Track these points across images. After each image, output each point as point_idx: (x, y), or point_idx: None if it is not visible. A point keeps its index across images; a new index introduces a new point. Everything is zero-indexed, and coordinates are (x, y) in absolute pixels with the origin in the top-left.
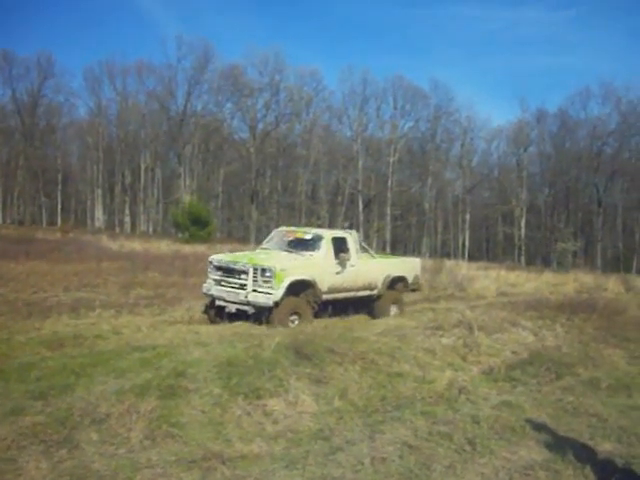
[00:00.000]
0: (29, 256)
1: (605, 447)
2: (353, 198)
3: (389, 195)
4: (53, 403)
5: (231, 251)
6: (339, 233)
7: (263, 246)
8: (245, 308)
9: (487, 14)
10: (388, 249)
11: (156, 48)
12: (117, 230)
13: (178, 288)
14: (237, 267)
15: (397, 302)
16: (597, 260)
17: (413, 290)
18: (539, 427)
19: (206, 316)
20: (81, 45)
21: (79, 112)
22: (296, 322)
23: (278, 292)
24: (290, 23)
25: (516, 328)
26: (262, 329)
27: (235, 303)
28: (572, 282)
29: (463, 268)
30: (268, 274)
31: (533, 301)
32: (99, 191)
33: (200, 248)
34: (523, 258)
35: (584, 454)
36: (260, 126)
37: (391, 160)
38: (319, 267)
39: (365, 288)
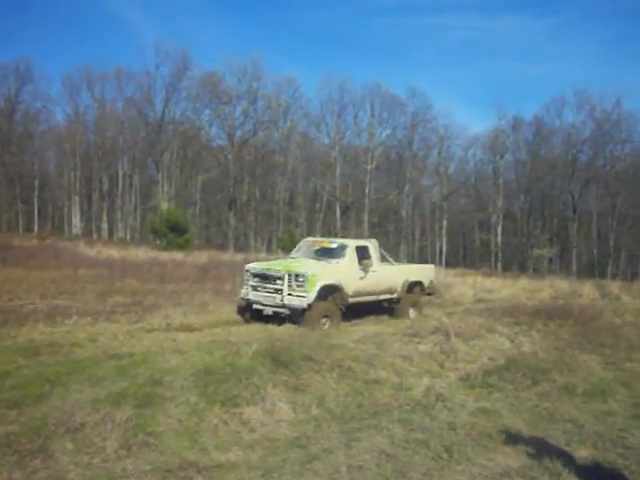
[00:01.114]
0: (5, 263)
1: (581, 453)
2: (331, 205)
3: (367, 202)
4: (27, 412)
5: (209, 257)
6: (361, 242)
7: (292, 255)
8: (281, 310)
9: (464, 23)
10: None
11: (134, 55)
12: (94, 237)
13: (156, 295)
14: (273, 274)
15: (415, 305)
16: (572, 266)
17: (429, 294)
18: (516, 433)
19: (231, 317)
20: (59, 51)
21: (57, 118)
22: (327, 324)
23: (311, 295)
24: (268, 31)
25: (493, 334)
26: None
27: (271, 306)
28: (548, 288)
29: (440, 274)
30: (301, 279)
31: (509, 307)
32: (76, 198)
33: (178, 255)
34: (500, 264)
35: (560, 460)
36: (238, 133)
37: (369, 167)
38: (345, 273)
39: (386, 292)
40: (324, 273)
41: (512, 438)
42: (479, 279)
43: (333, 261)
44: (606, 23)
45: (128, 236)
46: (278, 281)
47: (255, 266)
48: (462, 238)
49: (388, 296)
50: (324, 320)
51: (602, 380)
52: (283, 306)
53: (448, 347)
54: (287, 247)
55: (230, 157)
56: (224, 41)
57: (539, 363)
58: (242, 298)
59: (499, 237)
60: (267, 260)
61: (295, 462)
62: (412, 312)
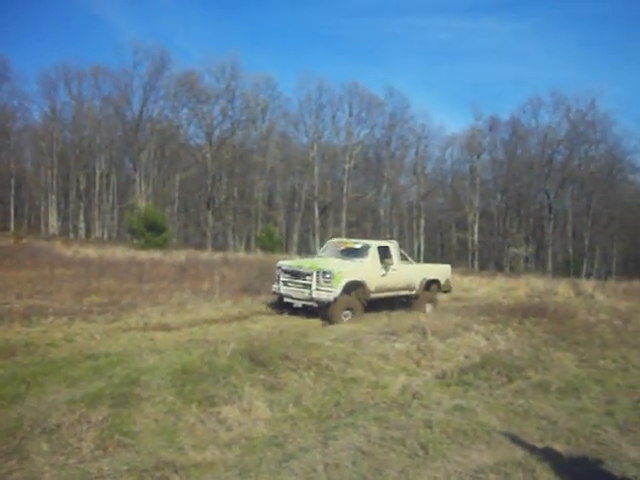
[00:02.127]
0: None
1: (555, 449)
2: (309, 204)
3: (345, 201)
4: (2, 413)
5: (187, 256)
6: (383, 242)
7: (319, 254)
8: (310, 303)
9: (443, 24)
10: None
11: (112, 53)
12: (71, 236)
13: (133, 294)
14: (303, 270)
15: (432, 301)
16: (548, 265)
17: (445, 292)
18: (490, 430)
19: (209, 316)
20: (36, 49)
21: (33, 116)
22: (349, 317)
23: (337, 290)
24: (246, 30)
25: (469, 333)
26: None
27: (301, 300)
28: (524, 286)
29: None
30: (328, 276)
31: (486, 306)
32: (53, 196)
33: (156, 254)
34: (476, 263)
35: (534, 456)
36: (216, 132)
37: (347, 167)
38: (368, 270)
39: (405, 289)
40: (349, 270)
41: (487, 435)
42: (456, 278)
43: (357, 260)
44: (582, 26)
45: (105, 235)
46: (307, 277)
47: (286, 264)
48: (439, 237)
49: (407, 292)
50: (346, 312)
51: (576, 377)
52: (311, 299)
53: (425, 345)
54: (266, 246)
55: (208, 156)
56: (202, 40)
57: (514, 361)
58: (274, 292)
59: (476, 236)
60: (289, 259)
61: (272, 461)
62: (429, 308)
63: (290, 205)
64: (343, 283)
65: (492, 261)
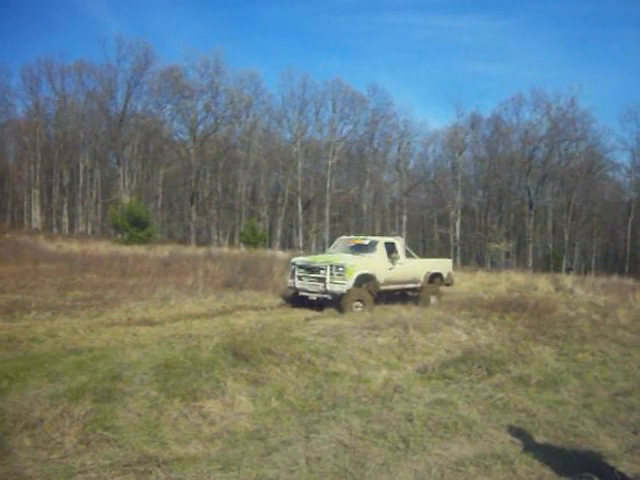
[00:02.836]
0: None
1: (533, 441)
2: (293, 200)
3: (328, 197)
4: None
5: (170, 251)
6: (390, 239)
7: (330, 250)
8: (324, 296)
9: (425, 22)
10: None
11: (96, 48)
12: (55, 231)
13: (117, 289)
14: (317, 265)
15: (436, 294)
16: (528, 260)
17: (447, 285)
18: (470, 423)
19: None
20: (19, 43)
21: (17, 111)
22: (359, 308)
23: (349, 282)
24: (230, 26)
25: (450, 327)
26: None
27: (316, 293)
28: (504, 281)
29: None
30: (341, 269)
31: (467, 300)
32: (36, 191)
33: (139, 249)
34: (458, 258)
35: (513, 449)
36: (200, 128)
37: (330, 163)
38: (377, 264)
39: (411, 282)
40: (360, 264)
41: (467, 428)
42: None
43: (366, 255)
44: (562, 25)
45: (89, 230)
46: (322, 271)
47: (301, 259)
48: (422, 233)
49: (412, 285)
50: (357, 303)
51: (555, 371)
52: (326, 292)
53: (406, 340)
54: (249, 241)
55: (192, 151)
56: (186, 35)
57: (494, 355)
58: (289, 287)
59: (457, 232)
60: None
61: (254, 455)
62: (433, 300)
63: (274, 200)
64: (355, 276)
65: (473, 256)
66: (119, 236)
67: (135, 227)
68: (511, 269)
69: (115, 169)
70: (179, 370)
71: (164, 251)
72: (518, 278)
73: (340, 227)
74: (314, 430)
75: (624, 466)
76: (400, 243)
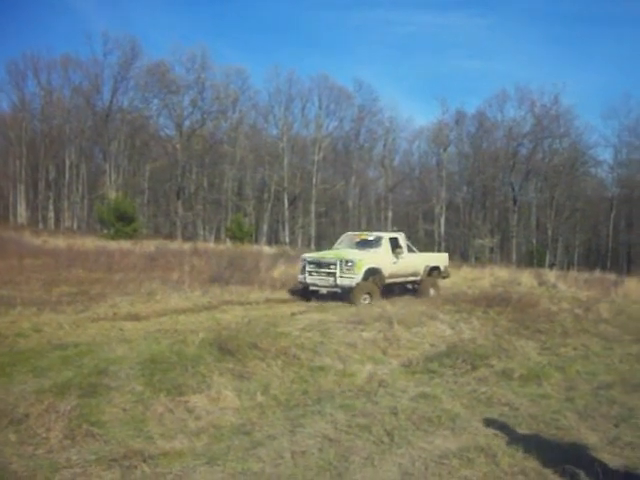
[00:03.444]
0: None
1: (516, 435)
2: (279, 195)
3: (314, 192)
4: None
5: (157, 246)
6: (393, 234)
7: (336, 246)
8: (334, 290)
9: (411, 18)
10: (313, 245)
11: (82, 43)
12: (41, 226)
13: (103, 284)
14: (327, 261)
15: (434, 286)
16: (512, 255)
17: (444, 277)
18: (454, 417)
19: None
20: (4, 38)
21: (2, 106)
22: (367, 300)
23: (358, 276)
24: (217, 22)
25: (434, 322)
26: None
27: (326, 287)
28: (488, 276)
29: None
30: (350, 264)
31: (451, 295)
32: (22, 186)
33: (126, 244)
34: None
35: (496, 442)
36: (186, 123)
37: (316, 158)
38: (382, 259)
39: (412, 275)
40: (368, 259)
41: (451, 422)
42: None
43: (372, 250)
44: (546, 22)
45: (75, 225)
46: (332, 266)
47: (311, 255)
48: (407, 228)
49: (413, 278)
50: (365, 296)
51: (538, 365)
52: (336, 286)
53: (391, 334)
54: (235, 236)
55: (178, 147)
56: (173, 31)
57: (478, 349)
58: (300, 282)
59: (442, 227)
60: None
61: (240, 449)
62: (432, 292)
63: (260, 196)
64: (363, 270)
65: (458, 252)
66: (105, 231)
67: (121, 222)
68: (495, 264)
69: (101, 164)
70: (165, 365)
71: (150, 246)
72: (502, 273)
73: (326, 222)
74: (299, 424)
75: (605, 458)
76: (402, 238)
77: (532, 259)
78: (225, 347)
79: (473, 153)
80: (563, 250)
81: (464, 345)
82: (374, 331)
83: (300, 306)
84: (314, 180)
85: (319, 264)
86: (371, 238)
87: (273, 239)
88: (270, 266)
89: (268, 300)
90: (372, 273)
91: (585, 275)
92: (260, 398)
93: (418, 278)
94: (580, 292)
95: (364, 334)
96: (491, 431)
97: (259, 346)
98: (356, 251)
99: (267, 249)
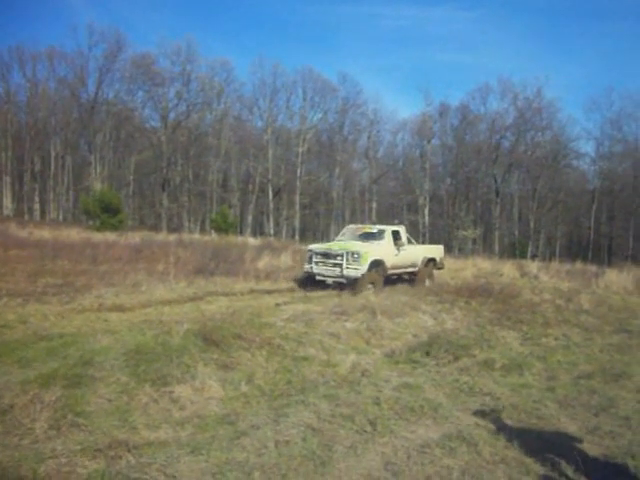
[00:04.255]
0: None
1: (498, 424)
2: (263, 187)
3: (298, 184)
4: None
5: (142, 238)
6: (394, 227)
7: (339, 238)
8: (340, 280)
9: (396, 12)
10: (297, 237)
11: (67, 35)
12: (26, 218)
13: (88, 276)
14: (334, 252)
15: (430, 276)
16: (495, 246)
17: (439, 268)
18: (436, 407)
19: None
20: None
21: None
22: (371, 289)
23: (364, 267)
24: (202, 14)
25: (417, 312)
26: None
27: (332, 277)
28: (471, 267)
29: None
30: (356, 256)
31: (434, 286)
32: (7, 178)
33: (111, 236)
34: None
35: (477, 431)
36: (172, 115)
37: (300, 150)
38: (385, 250)
39: (411, 266)
40: (373, 251)
41: (433, 411)
42: None
43: (375, 242)
44: (531, 16)
45: (61, 217)
46: (338, 257)
47: (318, 247)
48: (391, 219)
49: (412, 269)
50: (369, 286)
51: (519, 355)
52: (342, 276)
53: (374, 325)
54: (220, 228)
55: (163, 138)
56: (158, 23)
57: (460, 339)
58: (306, 272)
59: (426, 218)
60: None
61: (224, 438)
62: (428, 282)
63: (244, 187)
64: (369, 262)
65: (441, 243)
66: (91, 223)
67: (106, 214)
68: (478, 255)
69: (86, 156)
70: (150, 356)
71: (135, 238)
72: (484, 264)
73: (310, 214)
74: (283, 414)
75: (585, 447)
76: (403, 231)
77: (514, 250)
78: (210, 338)
79: (456, 145)
80: (545, 242)
81: (446, 335)
82: (357, 322)
83: (284, 297)
84: (298, 172)
85: (326, 255)
86: (374, 230)
87: (258, 230)
88: (255, 257)
89: (253, 291)
90: (376, 264)
91: (567, 266)
92: (244, 388)
93: (416, 269)
94: (561, 283)
95: (348, 325)
96: (473, 420)
97: (243, 337)
98: (361, 243)
99: (252, 240)
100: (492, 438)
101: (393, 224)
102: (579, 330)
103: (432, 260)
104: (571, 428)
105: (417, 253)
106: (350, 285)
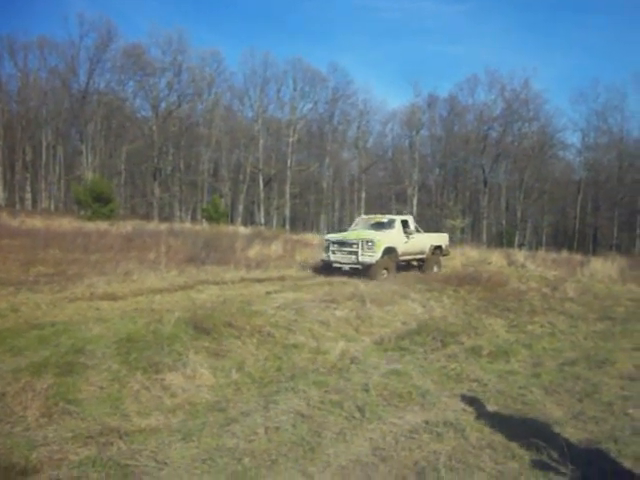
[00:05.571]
0: None
1: (484, 410)
2: (254, 177)
3: (289, 174)
4: None
5: (133, 227)
6: (404, 217)
7: (352, 228)
8: (356, 266)
9: (385, 4)
10: (287, 226)
11: (58, 25)
12: (18, 207)
13: (80, 265)
14: (350, 240)
15: (437, 263)
16: (483, 236)
17: (444, 255)
18: (424, 393)
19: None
20: None
21: None
22: (385, 275)
23: (378, 254)
24: (193, 5)
25: (406, 300)
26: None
27: (348, 264)
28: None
29: None
30: (370, 243)
31: (422, 275)
32: None
33: (102, 225)
34: None
35: (465, 417)
36: (162, 105)
37: (290, 140)
38: (396, 238)
39: (419, 253)
40: (385, 238)
41: (421, 397)
42: None
43: (387, 231)
44: (518, 9)
45: (52, 207)
46: (354, 246)
47: (334, 236)
48: (380, 209)
49: (420, 256)
50: (383, 272)
51: (506, 342)
52: (357, 263)
53: (363, 312)
54: (211, 217)
55: (154, 128)
56: (149, 13)
57: (448, 327)
58: (322, 260)
59: (415, 208)
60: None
61: (214, 425)
62: (436, 268)
63: (235, 177)
64: (382, 249)
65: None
66: (82, 212)
67: (98, 203)
68: (466, 244)
69: (78, 146)
70: (141, 344)
71: (127, 227)
72: (473, 253)
73: (300, 203)
74: (273, 401)
75: (569, 432)
76: (411, 220)
77: (502, 239)
78: (201, 326)
79: (445, 136)
80: (532, 231)
81: (435, 323)
82: (347, 309)
83: (275, 285)
84: (289, 162)
85: (342, 244)
86: (385, 220)
87: (248, 220)
88: (245, 246)
89: (243, 279)
90: (389, 251)
91: (553, 255)
92: (235, 375)
93: (424, 256)
94: (548, 272)
95: (337, 312)
96: (460, 406)
97: (234, 325)
98: (373, 232)
99: (243, 230)
100: (479, 423)
101: (402, 214)
102: (564, 318)
103: (438, 247)
104: (556, 414)
105: (425, 241)
106: (365, 271)
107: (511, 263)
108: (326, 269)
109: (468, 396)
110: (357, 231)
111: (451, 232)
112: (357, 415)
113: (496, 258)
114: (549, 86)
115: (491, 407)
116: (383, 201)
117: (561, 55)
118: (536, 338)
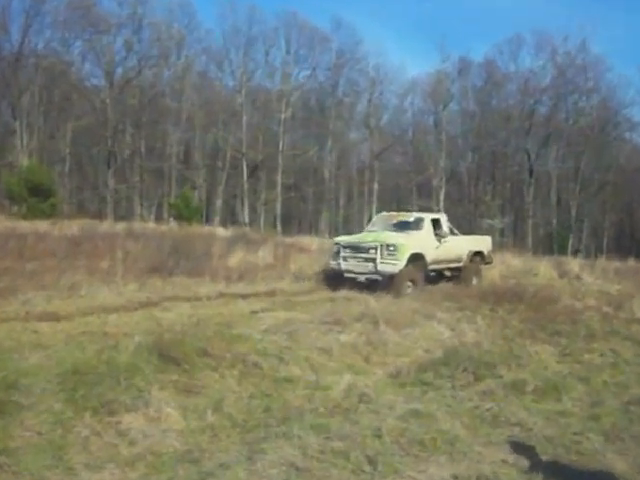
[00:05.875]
0: None
1: (529, 461)
2: (236, 163)
3: (280, 160)
4: None
5: (82, 227)
6: (434, 215)
7: (369, 229)
8: (373, 277)
9: None
10: (279, 226)
11: None
12: None
13: (12, 276)
14: (366, 245)
15: (477, 273)
16: (528, 239)
17: (487, 263)
18: (452, 440)
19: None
20: None
21: None
22: (410, 289)
23: (401, 262)
24: None
25: (430, 321)
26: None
27: (364, 273)
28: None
29: None
30: (392, 248)
31: (452, 288)
32: None
33: (42, 225)
34: None
35: (504, 470)
36: (119, 71)
37: (283, 117)
38: (425, 242)
39: (454, 261)
40: (411, 243)
41: (448, 445)
42: None
43: (412, 232)
44: None
45: None
46: (371, 251)
47: (346, 239)
48: (397, 205)
49: (455, 264)
50: (409, 284)
51: (556, 375)
52: (376, 272)
53: (376, 337)
54: (181, 215)
55: (108, 101)
56: None
57: (483, 356)
58: (332, 268)
59: (442, 204)
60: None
61: None
62: (475, 280)
63: (212, 164)
64: (407, 255)
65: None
66: (15, 208)
67: (36, 197)
68: (506, 250)
69: (10, 123)
70: (91, 377)
71: (73, 227)
72: (515, 262)
73: (295, 197)
74: (259, 450)
75: None
76: (444, 220)
77: (552, 244)
78: (167, 354)
79: (480, 112)
80: (590, 233)
81: (466, 350)
82: (354, 333)
83: (263, 302)
84: (280, 144)
85: (356, 248)
86: (411, 219)
87: (229, 219)
88: (225, 252)
89: (222, 295)
90: (415, 259)
91: (616, 264)
92: (211, 418)
93: (460, 264)
94: (610, 286)
95: (342, 337)
96: (498, 457)
97: (210, 353)
98: (395, 234)
99: (221, 231)
100: (522, 479)
101: (433, 211)
102: (631, 344)
103: (479, 254)
104: (619, 466)
105: (461, 245)
106: (385, 283)
107: (563, 274)
108: (327, 282)
109: (508, 444)
110: (375, 233)
111: (488, 234)
112: (367, 468)
113: (544, 268)
114: (612, 49)
115: (538, 457)
116: (401, 195)
117: (627, 10)
118: (595, 370)
